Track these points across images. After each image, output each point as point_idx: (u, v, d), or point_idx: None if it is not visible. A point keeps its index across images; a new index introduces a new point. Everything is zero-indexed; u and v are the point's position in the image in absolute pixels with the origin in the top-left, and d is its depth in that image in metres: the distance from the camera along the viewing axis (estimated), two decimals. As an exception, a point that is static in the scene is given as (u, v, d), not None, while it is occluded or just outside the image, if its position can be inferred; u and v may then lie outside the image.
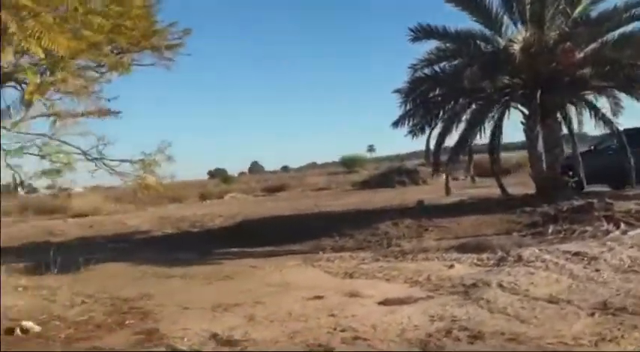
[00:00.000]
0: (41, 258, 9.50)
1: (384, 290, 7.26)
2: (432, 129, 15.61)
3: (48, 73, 3.90)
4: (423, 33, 14.92)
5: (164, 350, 5.26)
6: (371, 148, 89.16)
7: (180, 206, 29.65)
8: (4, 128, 4.28)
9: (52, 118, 4.36)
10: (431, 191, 19.95)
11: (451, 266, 8.39)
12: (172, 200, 31.91)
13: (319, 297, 7.06)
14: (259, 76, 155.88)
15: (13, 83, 3.98)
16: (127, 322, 6.45)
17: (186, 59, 4.77)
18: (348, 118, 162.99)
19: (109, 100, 4.50)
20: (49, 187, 4.94)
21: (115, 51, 4.37)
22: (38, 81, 3.77)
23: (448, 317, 5.70)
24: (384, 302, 6.58)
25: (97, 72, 4.42)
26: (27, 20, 3.22)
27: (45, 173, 4.82)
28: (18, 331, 5.84)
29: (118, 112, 4.61)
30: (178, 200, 32.76)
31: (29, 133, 4.57)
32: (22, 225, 22.53)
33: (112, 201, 26.83)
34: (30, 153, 4.65)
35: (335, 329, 5.59)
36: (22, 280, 8.99)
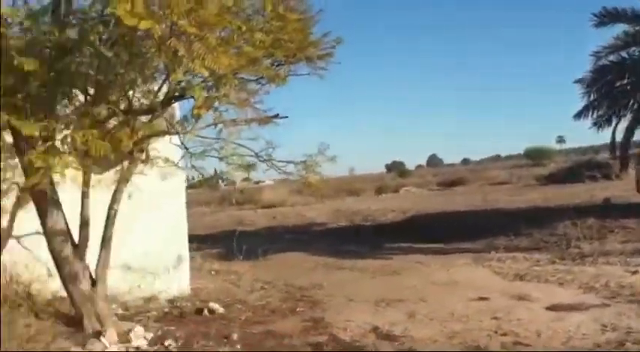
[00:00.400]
0: (233, 245, 10.54)
1: (554, 295, 6.95)
2: (619, 120, 14.14)
3: (214, 89, 4.44)
4: (608, 17, 13.58)
5: (327, 339, 5.61)
6: (561, 139, 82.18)
7: (356, 199, 30.59)
8: (188, 133, 4.97)
9: (219, 126, 4.97)
10: (623, 187, 18.07)
11: (635, 272, 7.71)
12: (350, 193, 33.11)
13: (484, 298, 6.97)
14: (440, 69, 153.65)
15: (188, 97, 4.65)
16: (297, 309, 7.03)
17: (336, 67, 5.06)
18: (537, 108, 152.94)
19: (264, 111, 4.94)
20: (244, 180, 5.65)
21: (273, 64, 4.79)
22: (205, 96, 4.32)
23: (623, 327, 5.31)
24: (553, 308, 6.31)
25: (258, 83, 4.88)
26: (193, 43, 3.69)
27: (222, 173, 5.53)
28: (206, 312, 6.64)
29: (283, 117, 5.05)
30: (355, 193, 33.90)
31: (208, 138, 5.24)
32: (220, 214, 25.10)
33: (296, 193, 28.48)
34: (210, 156, 5.36)
35: (496, 332, 5.52)
36: (215, 265, 10.15)
